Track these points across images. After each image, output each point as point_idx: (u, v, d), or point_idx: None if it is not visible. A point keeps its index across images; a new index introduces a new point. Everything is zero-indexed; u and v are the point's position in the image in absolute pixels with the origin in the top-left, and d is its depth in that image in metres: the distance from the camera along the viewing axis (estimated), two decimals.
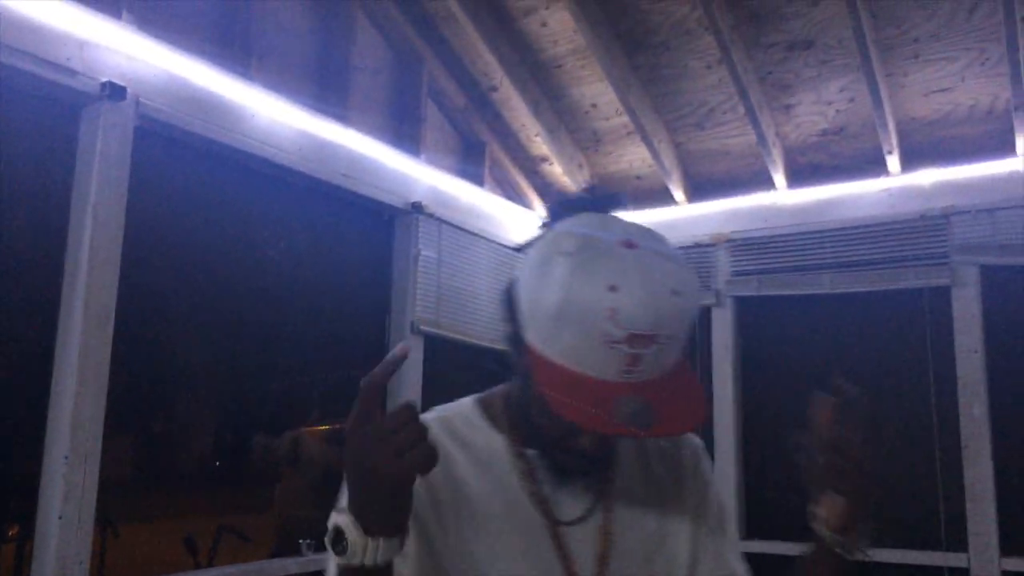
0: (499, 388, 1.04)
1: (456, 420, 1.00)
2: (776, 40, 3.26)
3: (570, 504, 0.96)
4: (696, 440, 1.10)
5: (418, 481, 0.76)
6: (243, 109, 2.72)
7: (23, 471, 2.14)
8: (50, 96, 2.24)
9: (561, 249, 0.89)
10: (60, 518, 2.09)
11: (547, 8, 3.39)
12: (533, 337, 0.88)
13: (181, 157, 2.57)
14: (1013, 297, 3.26)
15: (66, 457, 2.12)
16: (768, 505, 3.60)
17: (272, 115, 2.83)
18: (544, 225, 0.99)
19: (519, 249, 0.99)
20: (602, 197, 1.00)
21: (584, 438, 0.90)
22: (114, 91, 2.29)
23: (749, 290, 3.78)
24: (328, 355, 3.14)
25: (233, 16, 2.81)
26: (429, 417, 0.97)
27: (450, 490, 0.93)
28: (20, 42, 2.12)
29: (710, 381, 3.80)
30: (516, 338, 0.92)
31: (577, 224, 0.93)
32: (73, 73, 2.24)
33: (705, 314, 3.84)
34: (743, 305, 3.84)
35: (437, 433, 0.89)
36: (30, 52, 2.14)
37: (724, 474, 3.64)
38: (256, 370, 2.88)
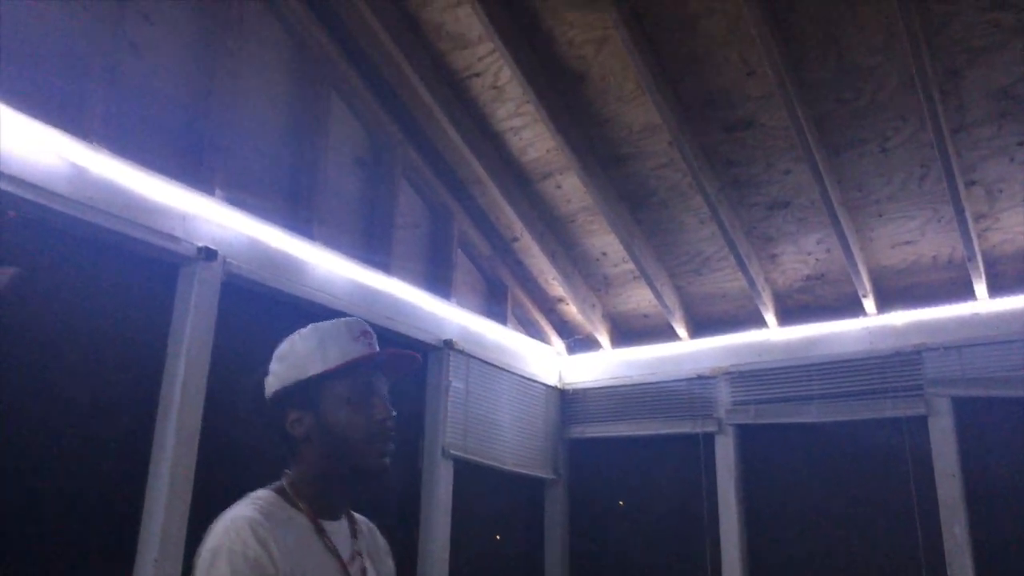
0: (283, 481, 1.41)
1: (270, 508, 1.32)
2: (757, 201, 3.79)
3: (345, 550, 1.38)
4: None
5: (266, 556, 1.20)
6: (305, 263, 3.25)
7: (118, 571, 2.53)
8: (156, 258, 2.77)
9: (296, 335, 1.44)
10: None
11: (561, 173, 3.97)
12: (314, 379, 1.38)
13: (256, 306, 3.07)
14: (984, 425, 3.62)
15: (155, 560, 2.51)
16: None
17: (329, 267, 3.35)
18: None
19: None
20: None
21: (373, 448, 1.37)
22: (208, 254, 2.83)
23: (747, 418, 4.16)
24: None
25: (300, 186, 3.39)
26: (250, 510, 1.29)
27: (286, 555, 1.27)
28: (136, 215, 2.67)
29: (715, 503, 4.12)
30: (301, 402, 1.39)
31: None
32: (177, 240, 2.78)
33: (708, 441, 4.22)
34: (743, 432, 4.20)
35: (264, 524, 1.25)
36: (143, 224, 2.69)
37: None
38: None
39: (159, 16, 2.97)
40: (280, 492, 1.37)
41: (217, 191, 2.96)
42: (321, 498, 1.38)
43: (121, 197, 2.63)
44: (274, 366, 1.43)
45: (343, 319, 1.46)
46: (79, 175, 2.53)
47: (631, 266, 4.26)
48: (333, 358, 1.38)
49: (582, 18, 3.27)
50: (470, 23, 3.40)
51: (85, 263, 2.59)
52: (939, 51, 3.01)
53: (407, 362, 1.50)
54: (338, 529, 1.40)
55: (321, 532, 1.35)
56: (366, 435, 1.37)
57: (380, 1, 3.36)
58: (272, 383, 1.42)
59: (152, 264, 2.77)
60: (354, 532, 1.44)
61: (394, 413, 1.41)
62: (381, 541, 1.55)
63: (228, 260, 2.92)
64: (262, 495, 1.35)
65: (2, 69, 2.43)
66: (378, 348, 1.45)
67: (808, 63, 3.19)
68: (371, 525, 1.55)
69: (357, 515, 1.52)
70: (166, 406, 2.70)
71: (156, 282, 2.79)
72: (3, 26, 2.47)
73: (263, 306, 3.10)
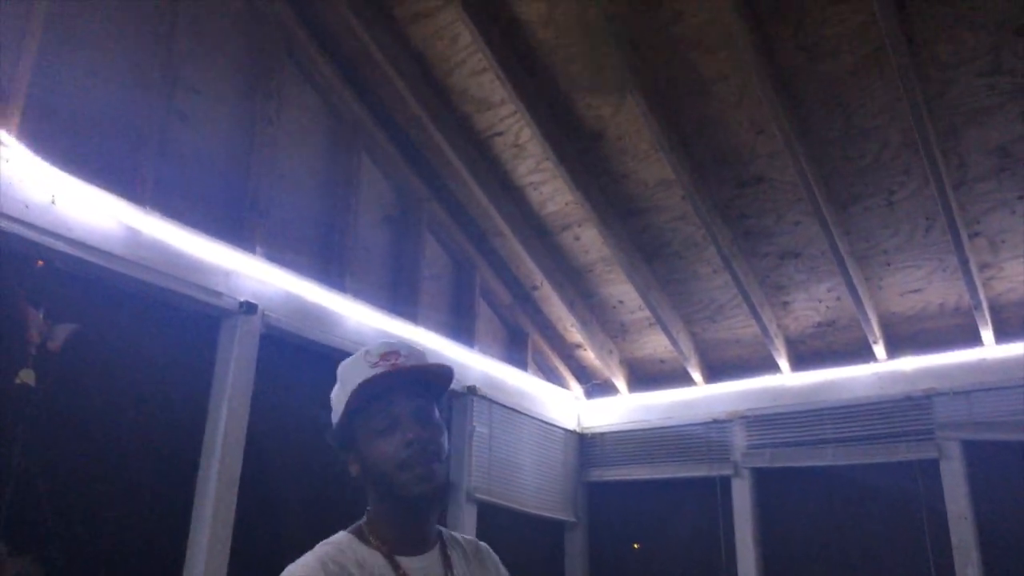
0: (361, 521, 1.38)
1: (341, 549, 1.31)
2: (769, 251, 3.95)
3: None
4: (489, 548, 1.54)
5: None
6: (338, 315, 3.42)
7: None
8: (201, 312, 2.95)
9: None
10: None
11: (579, 226, 4.15)
12: (344, 418, 1.35)
13: (292, 356, 3.23)
14: (995, 468, 3.71)
15: None
16: None
17: (359, 318, 3.52)
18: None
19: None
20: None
21: (408, 474, 1.30)
22: (248, 308, 3.00)
23: (763, 462, 4.27)
24: None
25: (333, 242, 3.57)
26: (321, 551, 1.29)
27: None
28: (183, 272, 2.85)
29: (732, 546, 4.22)
30: (350, 446, 1.36)
31: None
32: (220, 295, 2.96)
33: (725, 484, 4.32)
34: (759, 476, 4.31)
35: (338, 560, 1.26)
36: (190, 280, 2.87)
37: None
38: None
39: (206, 87, 3.18)
40: (356, 532, 1.36)
41: (257, 248, 3.15)
42: (397, 533, 1.34)
43: (170, 256, 2.82)
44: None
45: (365, 347, 1.39)
46: (133, 237, 2.72)
47: (647, 313, 4.40)
48: (350, 391, 1.33)
49: (599, 83, 3.47)
50: (493, 88, 3.60)
51: (135, 318, 2.77)
52: (939, 113, 3.18)
53: (435, 374, 1.39)
54: (425, 563, 1.34)
55: (397, 568, 1.30)
56: (398, 463, 1.30)
57: (409, 69, 3.57)
58: (327, 431, 1.42)
59: (197, 318, 2.94)
60: (448, 563, 1.38)
61: (420, 434, 1.31)
62: (491, 562, 1.48)
63: (267, 313, 3.09)
64: (335, 538, 1.35)
65: (63, 139, 2.63)
66: (408, 365, 1.36)
67: (814, 124, 3.36)
68: (480, 546, 1.49)
69: (464, 538, 1.47)
70: (208, 454, 2.85)
71: (200, 335, 2.95)
72: (64, 99, 2.69)
73: (298, 356, 3.26)
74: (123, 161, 2.81)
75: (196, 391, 2.91)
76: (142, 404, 2.74)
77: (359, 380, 1.32)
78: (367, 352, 1.38)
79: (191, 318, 2.93)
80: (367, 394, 1.32)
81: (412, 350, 1.40)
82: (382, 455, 1.32)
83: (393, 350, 1.37)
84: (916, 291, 3.89)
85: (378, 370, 1.33)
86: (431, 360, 1.42)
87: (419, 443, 1.31)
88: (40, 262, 2.50)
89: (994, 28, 2.90)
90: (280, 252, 3.26)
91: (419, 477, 1.30)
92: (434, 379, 1.40)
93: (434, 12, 3.40)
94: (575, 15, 3.27)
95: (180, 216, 2.87)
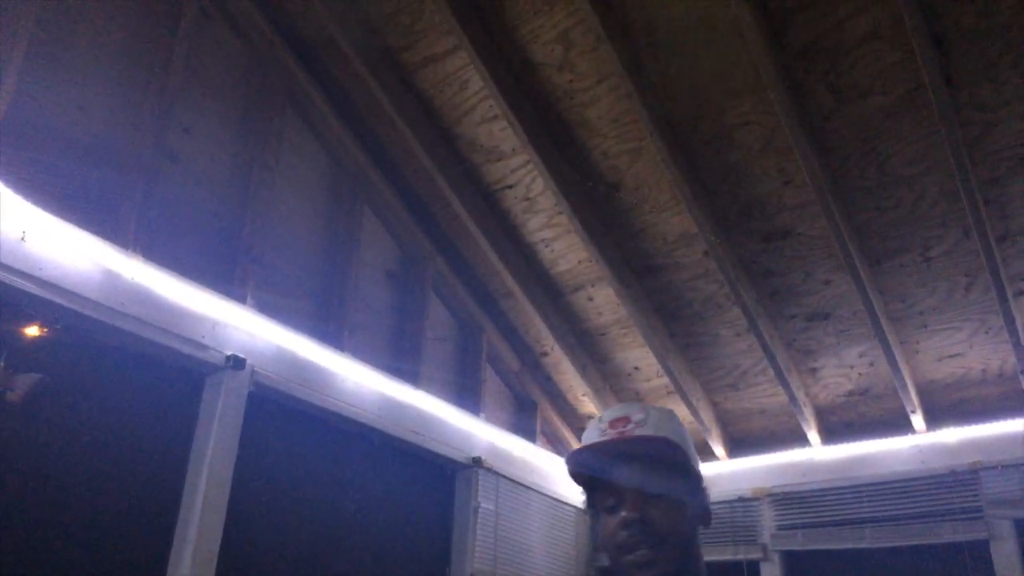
0: None
1: None
2: (796, 312, 3.70)
3: None
4: None
5: None
6: (335, 375, 3.15)
7: None
8: (183, 366, 2.68)
9: None
10: None
11: (593, 285, 3.91)
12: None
13: (282, 417, 2.95)
14: None
15: None
16: None
17: (357, 379, 3.25)
18: None
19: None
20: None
21: (627, 558, 1.18)
22: (236, 363, 2.73)
23: (795, 544, 3.91)
24: None
25: (330, 297, 3.33)
26: None
27: None
28: (166, 322, 2.60)
29: None
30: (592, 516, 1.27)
31: None
32: (205, 348, 2.70)
33: (753, 569, 3.95)
34: (791, 559, 3.95)
35: None
36: (173, 331, 2.61)
37: None
38: None
39: (199, 128, 3.00)
40: None
41: (249, 299, 2.90)
42: None
43: (152, 303, 2.57)
44: None
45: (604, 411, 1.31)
46: (111, 281, 2.48)
47: (665, 380, 4.12)
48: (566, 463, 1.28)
49: (616, 129, 3.29)
50: (504, 136, 3.43)
51: (108, 370, 2.50)
52: (980, 159, 2.98)
53: (644, 445, 1.24)
54: None
55: None
56: (617, 544, 1.19)
57: (415, 116, 3.40)
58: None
59: (179, 372, 2.68)
60: None
61: (644, 513, 1.18)
62: None
63: (256, 369, 2.82)
64: None
65: (40, 172, 2.42)
66: (627, 436, 1.24)
67: (846, 172, 3.16)
68: None
69: None
70: (185, 523, 2.54)
71: (182, 391, 2.68)
72: (44, 129, 2.49)
73: (290, 418, 2.98)
74: (105, 199, 2.60)
75: (174, 453, 2.62)
76: (112, 465, 2.44)
77: (572, 450, 1.25)
78: (600, 417, 1.28)
79: (172, 372, 2.66)
80: (589, 466, 1.23)
81: (649, 415, 1.26)
82: (607, 534, 1.21)
83: (623, 415, 1.26)
84: (956, 356, 3.62)
85: (603, 438, 1.24)
86: (676, 424, 1.28)
87: (639, 524, 1.17)
88: None
89: None
90: (273, 304, 3.01)
91: (638, 563, 1.17)
92: (663, 449, 1.24)
93: (444, 56, 3.25)
94: (592, 58, 3.11)
95: (165, 261, 2.64)
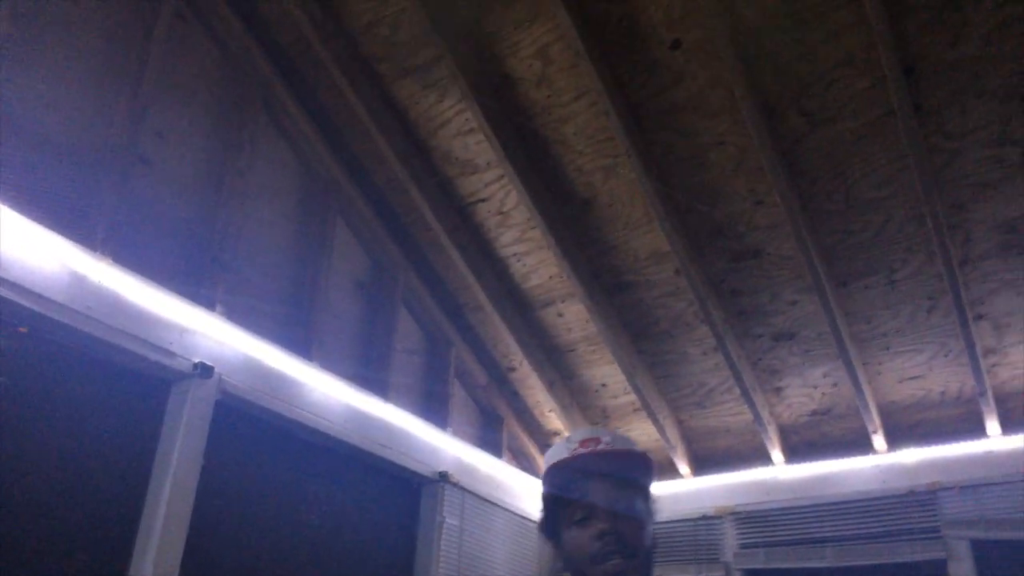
0: None
1: None
2: (763, 332, 3.74)
3: None
4: None
5: None
6: (303, 385, 3.10)
7: None
8: (149, 372, 2.61)
9: None
10: None
11: (563, 301, 3.91)
12: (547, 507, 1.32)
13: (249, 427, 2.89)
14: (1005, 569, 3.44)
15: None
16: None
17: (325, 390, 3.20)
18: None
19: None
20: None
21: (599, 568, 1.22)
22: (204, 370, 2.68)
23: (757, 563, 3.94)
24: None
25: (300, 306, 3.28)
26: None
27: None
28: (133, 327, 2.54)
29: None
30: (554, 538, 1.30)
31: None
32: (172, 355, 2.64)
33: None
34: None
35: None
36: (140, 336, 2.55)
37: None
38: None
39: (172, 133, 2.95)
40: None
41: (218, 306, 2.85)
42: None
43: (119, 308, 2.51)
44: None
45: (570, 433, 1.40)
46: (78, 283, 2.41)
47: (632, 398, 4.14)
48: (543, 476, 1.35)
49: (592, 146, 3.31)
50: (479, 150, 3.43)
51: (72, 375, 2.43)
52: (945, 185, 3.06)
53: (632, 462, 1.32)
54: None
55: None
56: (590, 555, 1.23)
57: (391, 127, 3.38)
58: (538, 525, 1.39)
59: (144, 379, 2.61)
60: None
61: (615, 526, 1.23)
62: None
63: (224, 377, 2.77)
64: None
65: (6, 171, 2.36)
66: (599, 449, 1.31)
67: (815, 194, 3.22)
68: None
69: None
70: (146, 536, 2.46)
71: (147, 398, 2.62)
72: (11, 127, 2.42)
73: (257, 428, 2.92)
74: (74, 201, 2.53)
75: (138, 462, 2.55)
76: (73, 473, 2.37)
77: (551, 463, 1.32)
78: (568, 438, 1.36)
79: (138, 378, 2.59)
80: (563, 481, 1.30)
81: (617, 438, 1.34)
82: (576, 546, 1.25)
83: (595, 436, 1.33)
84: (916, 377, 3.69)
85: (576, 453, 1.30)
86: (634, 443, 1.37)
87: (613, 535, 1.23)
88: None
89: (1004, 96, 2.81)
90: (242, 312, 2.96)
91: (611, 572, 1.22)
92: (635, 467, 1.33)
93: (422, 68, 3.24)
94: (571, 75, 3.13)
95: (134, 265, 2.58)
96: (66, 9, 2.65)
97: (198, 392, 2.67)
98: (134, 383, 2.58)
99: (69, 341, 2.41)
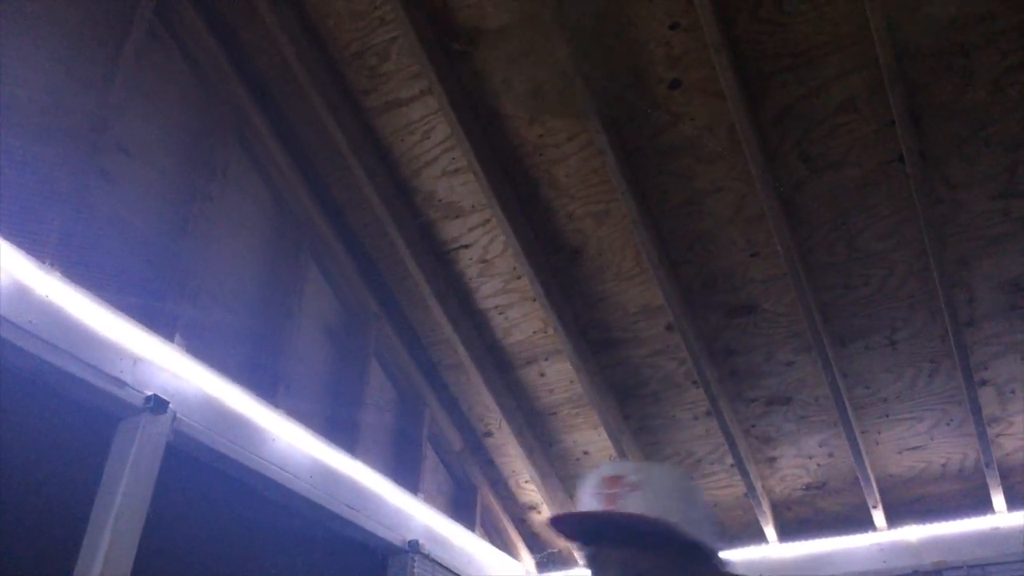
0: None
1: None
2: (756, 396, 3.55)
3: None
4: None
5: None
6: (265, 432, 2.81)
7: None
8: (94, 403, 2.31)
9: None
10: None
11: (546, 359, 3.69)
12: None
13: (204, 475, 2.58)
14: None
15: None
16: None
17: (290, 439, 2.91)
18: None
19: None
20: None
21: None
22: (157, 405, 2.38)
23: None
24: None
25: (266, 346, 3.02)
26: None
27: None
28: (80, 350, 2.25)
29: None
30: None
31: None
32: (122, 384, 2.35)
33: None
34: None
35: None
36: (87, 361, 2.26)
37: None
38: None
39: (138, 149, 2.74)
40: None
41: (177, 336, 2.58)
42: None
43: (66, 326, 2.23)
44: None
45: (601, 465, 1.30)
46: (21, 294, 2.14)
47: None
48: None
49: (584, 190, 3.17)
50: (465, 191, 3.27)
51: (5, 397, 2.13)
52: (949, 239, 2.96)
53: (623, 522, 1.20)
54: None
55: None
56: None
57: (372, 163, 3.22)
58: None
59: (89, 410, 2.30)
60: None
61: None
62: None
63: (179, 416, 2.47)
64: None
65: None
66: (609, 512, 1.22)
67: (815, 246, 3.10)
68: None
69: None
70: None
71: (90, 433, 2.30)
72: None
73: (212, 475, 2.61)
74: (26, 207, 2.29)
75: (74, 506, 2.21)
76: None
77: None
78: (596, 472, 1.26)
79: (81, 408, 2.29)
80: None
81: (646, 480, 1.21)
82: None
83: (618, 474, 1.22)
84: (916, 448, 3.51)
85: (594, 499, 1.22)
86: (678, 490, 1.25)
87: None
88: None
89: (1011, 146, 2.74)
90: (204, 345, 2.69)
91: None
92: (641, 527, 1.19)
93: (408, 102, 3.11)
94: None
95: (86, 282, 2.32)
96: (35, 13, 2.47)
97: (149, 430, 2.37)
98: (76, 413, 2.28)
99: (5, 359, 2.12)
